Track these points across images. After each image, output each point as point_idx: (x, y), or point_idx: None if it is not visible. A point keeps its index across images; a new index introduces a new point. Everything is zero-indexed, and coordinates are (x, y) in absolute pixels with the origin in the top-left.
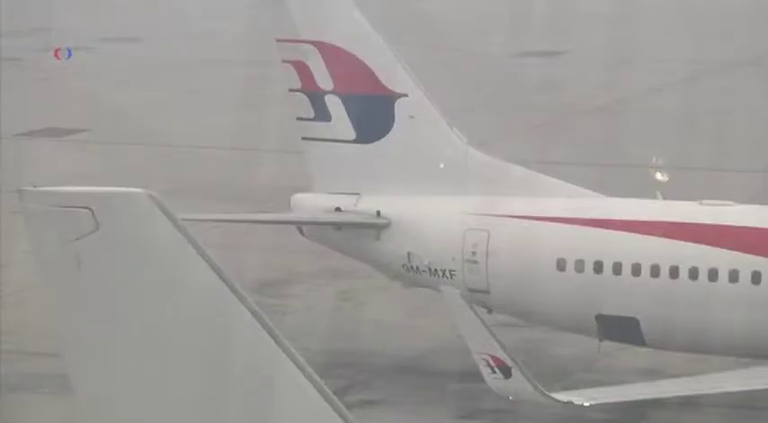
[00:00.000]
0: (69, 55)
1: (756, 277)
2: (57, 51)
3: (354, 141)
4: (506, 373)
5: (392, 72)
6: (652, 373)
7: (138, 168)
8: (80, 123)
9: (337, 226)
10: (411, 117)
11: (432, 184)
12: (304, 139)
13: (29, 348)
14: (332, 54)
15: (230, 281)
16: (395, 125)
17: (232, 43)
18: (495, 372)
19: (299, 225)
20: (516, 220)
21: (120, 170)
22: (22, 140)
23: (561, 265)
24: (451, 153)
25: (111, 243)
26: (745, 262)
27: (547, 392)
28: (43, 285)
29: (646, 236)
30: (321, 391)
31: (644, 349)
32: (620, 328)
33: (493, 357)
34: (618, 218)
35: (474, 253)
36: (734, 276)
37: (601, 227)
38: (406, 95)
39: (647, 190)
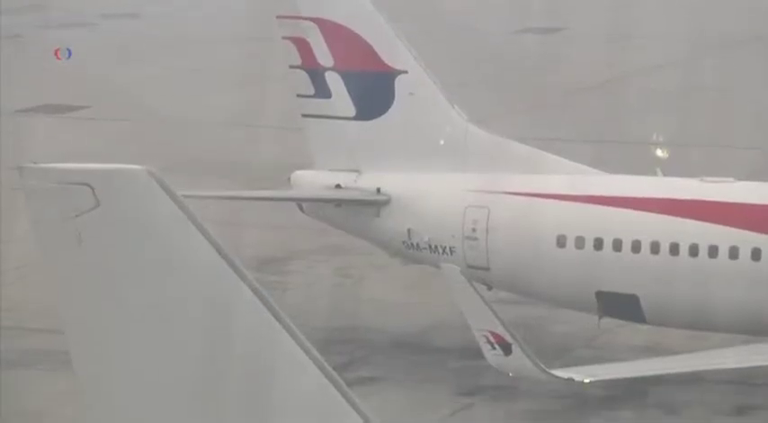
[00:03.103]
0: (69, 55)
1: (756, 254)
2: (56, 51)
3: (354, 118)
4: (506, 349)
5: (392, 49)
6: (652, 350)
7: (138, 145)
8: (81, 100)
9: (337, 203)
10: (411, 94)
11: (432, 161)
12: (304, 116)
13: (29, 325)
14: (332, 31)
15: (230, 258)
16: (395, 102)
17: (234, 20)
18: (495, 348)
19: (300, 202)
20: (516, 196)
21: (121, 147)
22: (22, 117)
23: (561, 242)
24: (452, 130)
25: (111, 220)
26: (746, 239)
27: (547, 369)
28: (43, 262)
29: (646, 212)
30: (322, 369)
31: (644, 326)
32: (620, 305)
33: (493, 334)
34: (618, 195)
35: (474, 230)
36: (734, 253)
37: (601, 204)
38: (406, 72)
39: (647, 167)
